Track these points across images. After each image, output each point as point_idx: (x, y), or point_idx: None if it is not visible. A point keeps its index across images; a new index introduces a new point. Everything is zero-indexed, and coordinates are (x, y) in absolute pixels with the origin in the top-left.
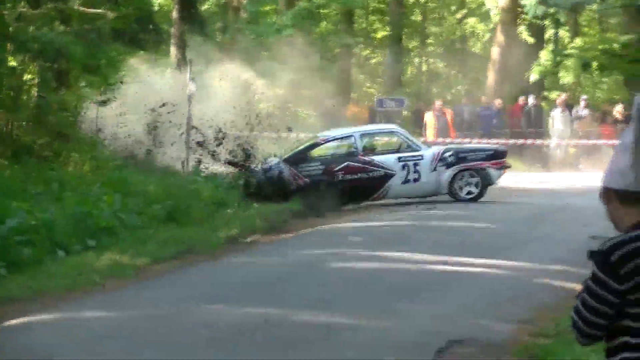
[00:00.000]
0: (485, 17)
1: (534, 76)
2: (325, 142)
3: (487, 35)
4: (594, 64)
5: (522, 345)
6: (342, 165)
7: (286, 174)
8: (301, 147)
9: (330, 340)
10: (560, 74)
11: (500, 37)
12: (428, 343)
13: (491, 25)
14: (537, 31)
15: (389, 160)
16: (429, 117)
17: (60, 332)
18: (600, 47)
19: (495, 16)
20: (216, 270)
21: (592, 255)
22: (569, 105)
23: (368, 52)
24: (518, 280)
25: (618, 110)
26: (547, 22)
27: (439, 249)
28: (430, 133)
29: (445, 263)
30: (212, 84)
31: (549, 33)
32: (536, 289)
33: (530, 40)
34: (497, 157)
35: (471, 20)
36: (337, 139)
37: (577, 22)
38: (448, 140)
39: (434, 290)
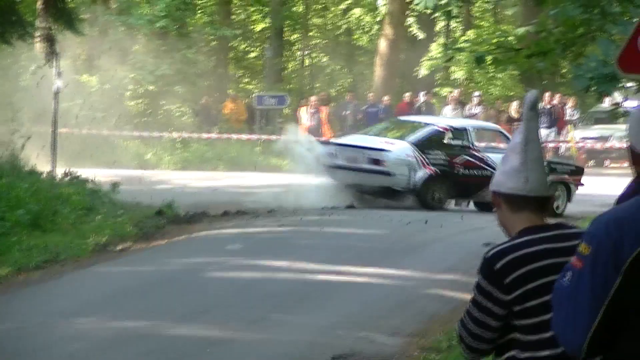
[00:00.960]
0: (372, 8)
1: (423, 71)
2: (446, 131)
3: (375, 28)
4: (488, 58)
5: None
6: (461, 158)
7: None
8: (424, 132)
9: (206, 355)
10: (452, 69)
11: (388, 29)
12: (309, 358)
13: (378, 17)
14: (427, 24)
15: (497, 160)
16: (303, 114)
17: None
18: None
19: (382, 7)
20: (85, 280)
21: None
22: (461, 102)
23: (246, 45)
24: (407, 289)
25: (514, 108)
26: (438, 14)
27: (321, 257)
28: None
29: (328, 272)
30: (80, 79)
31: (440, 26)
32: (426, 299)
33: (420, 34)
34: (578, 173)
35: (357, 12)
36: (455, 129)
37: (470, 14)
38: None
39: (316, 300)
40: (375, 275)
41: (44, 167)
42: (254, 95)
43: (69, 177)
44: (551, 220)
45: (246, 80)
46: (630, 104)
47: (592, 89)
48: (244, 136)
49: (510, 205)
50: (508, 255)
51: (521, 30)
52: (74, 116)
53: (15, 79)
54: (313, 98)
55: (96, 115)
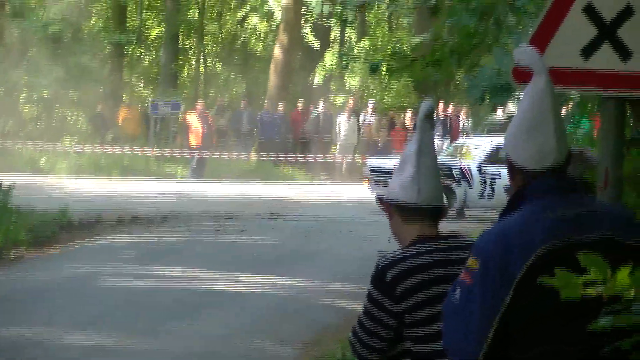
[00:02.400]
0: (267, 16)
1: (318, 79)
2: None
3: (270, 36)
4: (383, 67)
5: None
6: None
7: None
8: None
9: None
10: (346, 77)
11: (283, 37)
12: None
13: (274, 25)
14: (322, 32)
15: None
16: (193, 120)
17: None
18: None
19: (277, 14)
20: None
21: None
22: (356, 111)
23: (141, 51)
24: (300, 299)
25: (408, 117)
26: (333, 22)
27: (215, 265)
28: (194, 137)
29: (221, 280)
30: None
31: (335, 33)
32: (319, 308)
33: (315, 43)
34: None
35: (253, 20)
36: None
37: (365, 22)
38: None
39: (210, 309)
40: (269, 285)
41: None
42: (148, 102)
43: None
44: (444, 231)
45: (141, 86)
46: None
47: (486, 99)
48: (137, 148)
49: (403, 215)
50: (399, 265)
51: (416, 40)
52: None
53: None
54: (200, 102)
55: None
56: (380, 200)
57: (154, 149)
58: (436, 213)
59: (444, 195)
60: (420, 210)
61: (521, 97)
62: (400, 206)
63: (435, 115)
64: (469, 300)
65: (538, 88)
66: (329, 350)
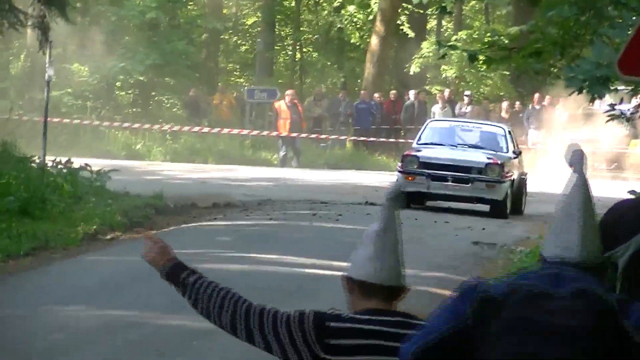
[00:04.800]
0: (364, 5)
1: (414, 69)
2: None
3: (367, 25)
4: (481, 57)
5: None
6: None
7: None
8: None
9: (192, 347)
10: (443, 68)
11: (379, 26)
12: None
13: (371, 16)
14: (418, 22)
15: None
16: (282, 109)
17: None
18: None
19: (374, 4)
20: (73, 269)
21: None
22: (452, 101)
23: (237, 39)
24: None
25: (504, 108)
26: (430, 12)
27: (310, 251)
28: (282, 126)
29: (316, 266)
30: (71, 68)
31: (432, 24)
32: (412, 296)
33: (411, 33)
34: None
35: (349, 8)
36: None
37: (462, 14)
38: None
39: (304, 294)
40: None
41: (34, 155)
42: (244, 88)
43: (58, 166)
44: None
45: (236, 73)
46: (625, 106)
47: (585, 91)
48: (235, 130)
49: (362, 292)
50: (346, 322)
51: (514, 30)
52: (64, 105)
53: (6, 66)
54: (290, 91)
55: (86, 105)
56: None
57: (250, 135)
58: (394, 292)
59: (404, 275)
60: (378, 288)
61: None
62: (360, 283)
63: (530, 106)
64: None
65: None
66: None
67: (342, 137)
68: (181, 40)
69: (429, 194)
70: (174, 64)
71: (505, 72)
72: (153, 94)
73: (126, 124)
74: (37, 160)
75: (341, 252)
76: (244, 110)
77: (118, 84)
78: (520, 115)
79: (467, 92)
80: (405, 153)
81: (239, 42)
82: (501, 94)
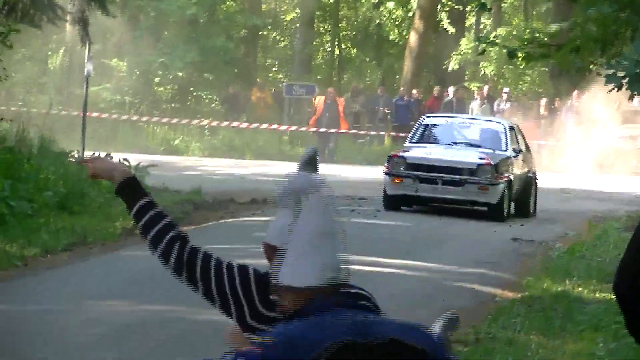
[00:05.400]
0: (403, 1)
1: (453, 65)
2: None
3: (406, 22)
4: (520, 54)
5: None
6: None
7: None
8: None
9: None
10: (482, 65)
11: (418, 23)
12: None
13: (410, 13)
14: (457, 19)
15: None
16: (320, 104)
17: None
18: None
19: (414, 1)
20: (111, 263)
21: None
22: (490, 98)
23: (276, 35)
24: (432, 282)
25: (542, 105)
26: (469, 8)
27: (347, 247)
28: (317, 122)
29: (353, 262)
30: (109, 63)
31: (471, 21)
32: (452, 292)
33: (451, 28)
34: None
35: (388, 5)
36: None
37: (501, 11)
38: (342, 131)
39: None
40: (402, 267)
41: (72, 150)
42: (283, 84)
43: None
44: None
45: (275, 69)
46: None
47: (624, 87)
48: (273, 126)
49: (295, 298)
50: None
51: (554, 27)
52: (103, 100)
53: (45, 61)
54: (330, 89)
55: (125, 100)
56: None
57: (288, 131)
58: (332, 289)
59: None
60: (314, 290)
61: None
62: (292, 289)
63: (568, 103)
64: None
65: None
66: (463, 333)
67: (381, 133)
68: (220, 36)
69: (418, 197)
70: (212, 60)
71: (544, 69)
72: (192, 89)
73: (165, 120)
74: (76, 155)
75: (380, 247)
76: (282, 106)
77: (157, 79)
78: (559, 112)
79: (506, 89)
80: (391, 153)
81: (277, 38)
82: (540, 90)
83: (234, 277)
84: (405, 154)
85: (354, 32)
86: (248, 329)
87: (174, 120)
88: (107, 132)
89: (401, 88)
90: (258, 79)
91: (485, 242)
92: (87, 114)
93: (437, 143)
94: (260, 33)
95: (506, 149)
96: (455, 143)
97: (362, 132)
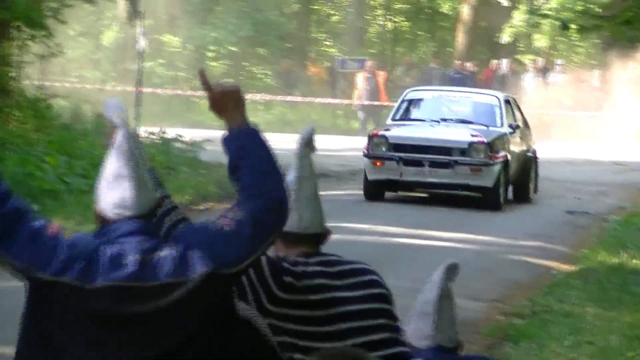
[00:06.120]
0: None
1: (506, 38)
2: None
3: None
4: (573, 25)
5: (495, 325)
6: None
7: None
8: None
9: None
10: (535, 37)
11: None
12: None
13: None
14: None
15: None
16: (359, 79)
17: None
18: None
19: None
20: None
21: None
22: (543, 70)
23: (328, 9)
24: (488, 255)
25: (596, 76)
26: None
27: (405, 221)
28: (356, 95)
29: (410, 236)
30: (162, 39)
31: None
32: (508, 265)
33: (503, 0)
34: None
35: None
36: None
37: None
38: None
39: (397, 263)
40: (457, 240)
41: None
42: (336, 58)
43: (151, 136)
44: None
45: (327, 43)
46: None
47: None
48: (326, 100)
49: (285, 242)
50: (293, 265)
51: None
52: (156, 75)
53: (98, 37)
54: (369, 63)
55: (178, 75)
56: None
57: (341, 105)
58: (318, 238)
59: (324, 218)
60: (301, 237)
61: None
62: (283, 233)
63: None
64: None
65: (118, 142)
66: (519, 306)
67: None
68: (272, 10)
69: (402, 182)
70: (265, 34)
71: (596, 41)
72: (245, 64)
73: None
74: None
75: (432, 220)
76: (335, 80)
77: (210, 54)
78: (612, 83)
79: (559, 61)
80: (371, 132)
81: (330, 12)
82: (592, 62)
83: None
84: (387, 133)
85: (407, 5)
86: (267, 315)
87: None
88: (161, 108)
89: (457, 62)
90: (311, 54)
91: (539, 215)
92: (141, 89)
93: (423, 120)
94: (312, 7)
95: (501, 125)
96: (444, 119)
97: None
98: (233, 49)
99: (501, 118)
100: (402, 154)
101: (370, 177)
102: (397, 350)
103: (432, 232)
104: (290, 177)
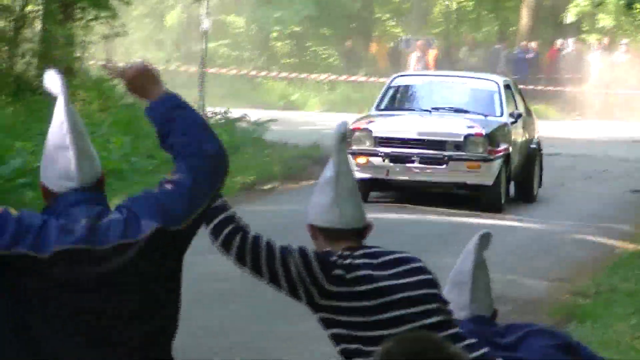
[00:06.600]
0: None
1: (570, 17)
2: None
3: None
4: (638, 5)
5: (560, 304)
6: None
7: None
8: None
9: None
10: (599, 16)
11: None
12: None
13: None
14: None
15: None
16: (412, 58)
17: None
18: None
19: None
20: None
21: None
22: (608, 50)
23: None
24: (552, 235)
25: None
26: None
27: (465, 202)
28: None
29: (473, 215)
30: (227, 20)
31: None
32: (571, 244)
33: None
34: None
35: None
36: None
37: None
38: None
39: (461, 242)
40: (522, 220)
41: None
42: (401, 38)
43: (216, 116)
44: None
45: (392, 23)
46: None
47: None
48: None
49: (327, 237)
50: (340, 258)
51: None
52: (220, 56)
53: (162, 18)
54: (419, 42)
55: (243, 56)
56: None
57: None
58: (359, 232)
59: (364, 212)
60: (343, 232)
61: None
62: (324, 229)
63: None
64: None
65: (57, 112)
66: (582, 285)
67: None
68: None
69: (390, 181)
70: (329, 14)
71: None
72: (309, 44)
73: (282, 75)
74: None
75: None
76: (400, 59)
77: (274, 34)
78: None
79: (624, 41)
80: (353, 125)
81: None
82: None
83: (297, 262)
84: (371, 126)
85: None
86: (320, 309)
87: (292, 75)
88: (225, 88)
89: (522, 42)
90: (375, 33)
91: (603, 194)
92: (206, 70)
93: (412, 110)
94: None
95: (501, 114)
96: (436, 109)
97: None
98: (297, 29)
99: (501, 106)
100: (388, 149)
101: None
102: (453, 332)
103: (494, 212)
104: (328, 173)
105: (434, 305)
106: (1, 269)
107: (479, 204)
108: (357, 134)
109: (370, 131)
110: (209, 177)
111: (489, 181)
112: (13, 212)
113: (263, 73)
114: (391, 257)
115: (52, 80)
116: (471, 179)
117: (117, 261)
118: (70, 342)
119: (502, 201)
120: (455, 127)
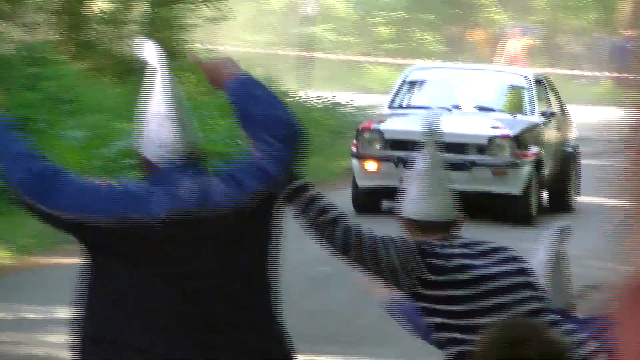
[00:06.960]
0: None
1: None
2: None
3: None
4: None
5: None
6: None
7: None
8: None
9: None
10: None
11: None
12: None
13: None
14: None
15: None
16: (509, 46)
17: None
18: None
19: None
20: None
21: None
22: None
23: None
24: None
25: None
26: None
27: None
28: (503, 62)
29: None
30: (328, 4)
31: None
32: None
33: None
34: None
35: None
36: None
37: None
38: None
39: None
40: (612, 207)
41: (294, 89)
42: (505, 25)
43: (321, 100)
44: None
45: (494, 10)
46: None
47: None
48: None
49: (420, 229)
50: (436, 247)
51: None
52: (323, 40)
53: (266, 1)
54: (514, 28)
55: (346, 40)
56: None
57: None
58: (449, 225)
59: (454, 205)
60: (433, 225)
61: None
62: (415, 222)
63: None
64: None
65: (157, 83)
66: None
67: (600, 74)
68: None
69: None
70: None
71: None
72: (411, 30)
73: (386, 60)
74: (298, 95)
75: (603, 188)
76: (502, 46)
77: (378, 19)
78: None
79: None
80: (361, 125)
81: None
82: None
83: (398, 251)
84: (383, 126)
85: None
86: (421, 299)
87: (395, 61)
88: (328, 72)
89: (627, 31)
90: (477, 20)
91: None
92: (310, 54)
93: (430, 108)
94: None
95: (532, 113)
96: (457, 107)
97: (581, 73)
98: (399, 14)
99: (531, 103)
100: (401, 153)
101: (361, 184)
102: (550, 318)
103: (601, 199)
104: (418, 166)
105: (529, 293)
106: (113, 236)
107: (506, 216)
108: (366, 134)
109: (382, 132)
110: (291, 141)
111: (516, 190)
112: (117, 184)
113: (367, 58)
114: (486, 246)
115: (150, 51)
116: (497, 188)
117: (225, 223)
118: (175, 301)
119: (533, 213)
120: (479, 127)
